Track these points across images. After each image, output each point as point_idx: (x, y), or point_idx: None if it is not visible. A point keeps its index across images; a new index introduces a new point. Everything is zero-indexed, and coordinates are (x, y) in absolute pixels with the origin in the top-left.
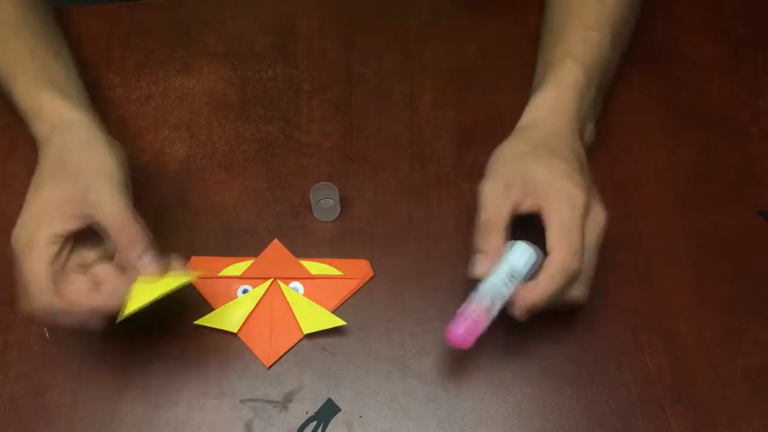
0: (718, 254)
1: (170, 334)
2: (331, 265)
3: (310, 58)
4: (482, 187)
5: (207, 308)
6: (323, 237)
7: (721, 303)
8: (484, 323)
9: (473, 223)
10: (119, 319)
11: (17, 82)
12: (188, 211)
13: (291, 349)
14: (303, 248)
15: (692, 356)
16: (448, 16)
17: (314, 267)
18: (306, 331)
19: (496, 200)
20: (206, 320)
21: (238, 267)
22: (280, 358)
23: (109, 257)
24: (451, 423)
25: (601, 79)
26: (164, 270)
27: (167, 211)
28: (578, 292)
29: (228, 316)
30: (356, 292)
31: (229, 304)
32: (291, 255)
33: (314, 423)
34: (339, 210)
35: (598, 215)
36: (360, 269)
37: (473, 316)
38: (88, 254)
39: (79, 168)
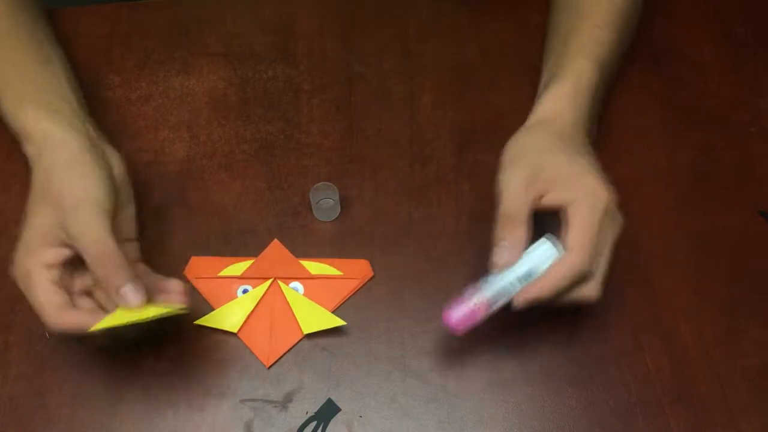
0: (718, 254)
1: (170, 334)
2: (331, 265)
3: (310, 58)
4: (502, 176)
5: (207, 308)
6: (323, 237)
7: (721, 303)
8: (482, 314)
9: (473, 223)
10: (90, 329)
11: (2, 100)
12: (188, 211)
13: (291, 349)
14: (303, 248)
15: (692, 356)
16: (448, 16)
17: (314, 267)
18: (306, 331)
19: (518, 191)
20: (206, 320)
21: (238, 267)
22: (280, 358)
23: None
24: (451, 423)
25: (608, 79)
26: (145, 302)
27: (167, 211)
28: (591, 291)
29: (228, 316)
30: (356, 292)
31: (229, 304)
32: (291, 255)
33: (314, 423)
34: (339, 210)
35: (618, 216)
36: (360, 269)
37: (473, 306)
38: (88, 279)
39: (60, 195)
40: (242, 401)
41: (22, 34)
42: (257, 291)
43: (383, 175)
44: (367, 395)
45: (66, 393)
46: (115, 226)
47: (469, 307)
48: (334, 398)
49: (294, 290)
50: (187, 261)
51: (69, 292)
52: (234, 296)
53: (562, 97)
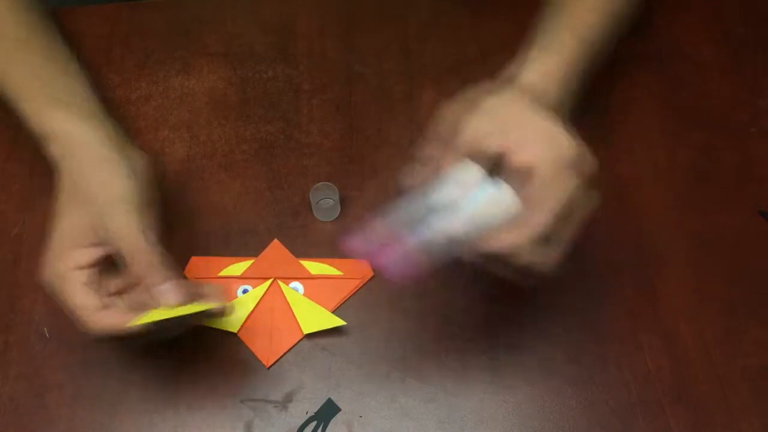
0: (718, 254)
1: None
2: (331, 265)
3: (310, 58)
4: (447, 107)
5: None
6: (323, 237)
7: (721, 303)
8: (397, 249)
9: None
10: (129, 324)
11: (26, 104)
12: (188, 211)
13: (291, 349)
14: (303, 248)
15: (692, 356)
16: (448, 16)
17: (314, 267)
18: (306, 331)
19: (477, 134)
20: (206, 320)
21: (238, 267)
22: (280, 358)
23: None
24: (451, 423)
25: (590, 61)
26: (186, 300)
27: (167, 211)
28: (548, 257)
29: (228, 316)
30: (356, 292)
31: (229, 304)
32: (291, 255)
33: (314, 423)
34: (339, 210)
35: (593, 193)
36: (360, 269)
37: (387, 242)
38: (120, 281)
39: (92, 194)
40: (242, 401)
41: (38, 39)
42: (257, 291)
43: (383, 175)
44: (367, 395)
45: (66, 393)
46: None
47: (385, 243)
48: (334, 398)
49: (294, 290)
50: (187, 261)
51: (101, 293)
52: (234, 296)
53: (543, 68)
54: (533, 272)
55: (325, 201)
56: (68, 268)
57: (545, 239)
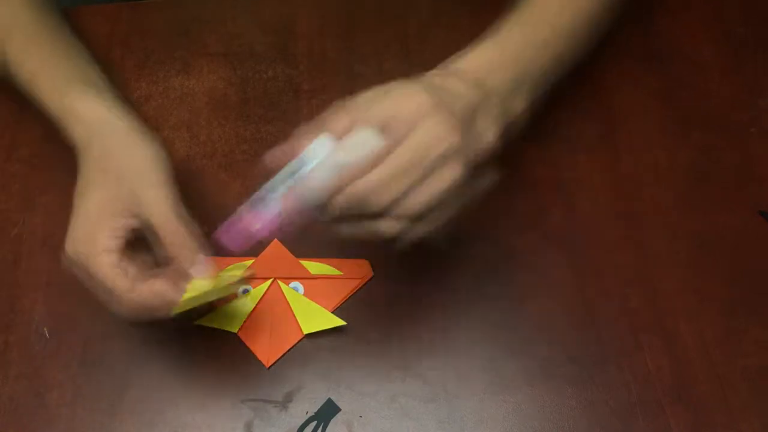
0: (718, 254)
1: (170, 334)
2: (331, 265)
3: (310, 58)
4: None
5: (207, 308)
6: (323, 237)
7: (721, 303)
8: (250, 223)
9: (473, 223)
10: (174, 311)
11: (44, 86)
12: (188, 211)
13: (291, 349)
14: (303, 248)
15: (692, 356)
16: (448, 16)
17: (314, 267)
18: (306, 331)
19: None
20: (206, 320)
21: (238, 267)
22: (280, 358)
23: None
24: (451, 423)
25: (521, 73)
26: (215, 274)
27: None
28: (386, 228)
29: (228, 316)
30: (356, 292)
31: (229, 304)
32: (291, 255)
33: (314, 423)
34: None
35: (439, 135)
36: (360, 269)
37: (239, 216)
38: (149, 258)
39: (124, 168)
40: (242, 401)
41: (53, 29)
42: (257, 291)
43: None
44: (367, 395)
45: (66, 393)
46: None
47: (239, 217)
48: (334, 398)
49: (294, 290)
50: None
51: (130, 273)
52: (234, 296)
53: (483, 63)
54: (384, 240)
55: None
56: (97, 248)
57: (414, 216)
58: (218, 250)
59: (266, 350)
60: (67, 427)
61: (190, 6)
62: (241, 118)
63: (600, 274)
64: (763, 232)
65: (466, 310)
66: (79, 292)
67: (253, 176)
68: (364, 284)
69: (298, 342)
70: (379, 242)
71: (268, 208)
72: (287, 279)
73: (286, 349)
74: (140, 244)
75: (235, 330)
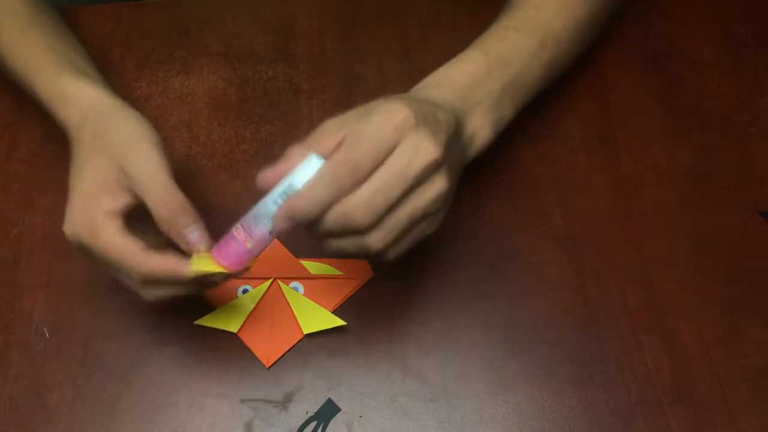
0: (718, 254)
1: (170, 334)
2: (331, 265)
3: (310, 58)
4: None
5: (207, 308)
6: None
7: (721, 303)
8: (243, 242)
9: (473, 223)
10: (192, 270)
11: (38, 72)
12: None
13: (291, 349)
14: (303, 248)
15: (692, 356)
16: (448, 16)
17: (314, 267)
18: (306, 331)
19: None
20: (206, 320)
21: None
22: (280, 358)
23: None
24: (451, 423)
25: (510, 80)
26: (210, 245)
27: None
28: (371, 242)
29: (228, 316)
30: (356, 292)
31: (229, 304)
32: (291, 255)
33: (314, 423)
34: None
35: (440, 178)
36: (360, 269)
37: (232, 236)
38: (150, 237)
39: (116, 142)
40: (242, 401)
41: (47, 18)
42: (257, 291)
43: None
44: (367, 395)
45: (66, 393)
46: None
47: (231, 238)
48: (334, 398)
49: (294, 290)
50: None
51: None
52: (234, 296)
53: (434, 81)
54: (368, 256)
55: None
56: (100, 213)
57: (343, 193)
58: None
59: (266, 350)
60: (67, 427)
61: (190, 6)
62: (241, 118)
63: (600, 274)
64: (763, 232)
65: (466, 310)
66: (79, 292)
67: (253, 176)
68: (364, 284)
69: (298, 342)
70: (368, 257)
71: (260, 226)
72: (287, 279)
73: (286, 349)
74: (144, 230)
75: (235, 330)
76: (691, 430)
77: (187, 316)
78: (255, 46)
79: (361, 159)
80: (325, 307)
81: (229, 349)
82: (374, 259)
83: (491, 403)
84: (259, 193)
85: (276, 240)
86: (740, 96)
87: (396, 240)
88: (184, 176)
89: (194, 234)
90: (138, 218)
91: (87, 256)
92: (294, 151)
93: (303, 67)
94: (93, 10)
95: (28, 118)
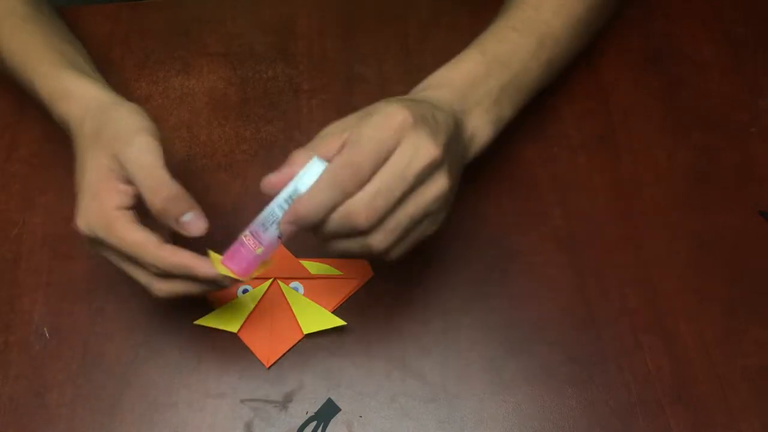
0: (718, 254)
1: (170, 334)
2: (331, 265)
3: (310, 58)
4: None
5: (207, 308)
6: None
7: (721, 303)
8: (252, 248)
9: (473, 222)
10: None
11: (36, 68)
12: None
13: (291, 349)
14: (303, 248)
15: (692, 356)
16: (448, 16)
17: (314, 267)
18: (306, 331)
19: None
20: (206, 320)
21: None
22: (280, 358)
23: None
24: (451, 423)
25: (509, 79)
26: (208, 229)
27: None
28: (373, 242)
29: (228, 316)
30: (356, 292)
31: (229, 304)
32: (291, 255)
33: (314, 423)
34: None
35: (441, 177)
36: (360, 269)
37: (241, 242)
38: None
39: (114, 134)
40: (242, 401)
41: (44, 16)
42: (257, 291)
43: None
44: (367, 395)
45: (66, 393)
46: None
47: (239, 244)
48: (334, 398)
49: (294, 290)
50: None
51: None
52: (234, 296)
53: (433, 83)
54: (371, 257)
55: None
56: (111, 208)
57: (347, 196)
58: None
59: (266, 350)
60: (67, 427)
61: (190, 6)
62: (241, 118)
63: (600, 274)
64: (763, 232)
65: (466, 310)
66: (79, 292)
67: (253, 176)
68: (364, 284)
69: (298, 342)
70: (371, 257)
71: (268, 231)
72: (287, 279)
73: (286, 349)
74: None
75: (235, 330)
76: (691, 430)
77: (187, 316)
78: (255, 46)
79: (361, 161)
80: (325, 307)
81: (229, 349)
82: (377, 259)
83: (491, 403)
84: (260, 193)
85: None
86: (740, 96)
87: (398, 240)
88: (184, 176)
89: (191, 219)
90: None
91: (98, 248)
92: (298, 155)
93: (303, 67)
94: (93, 10)
95: (28, 118)
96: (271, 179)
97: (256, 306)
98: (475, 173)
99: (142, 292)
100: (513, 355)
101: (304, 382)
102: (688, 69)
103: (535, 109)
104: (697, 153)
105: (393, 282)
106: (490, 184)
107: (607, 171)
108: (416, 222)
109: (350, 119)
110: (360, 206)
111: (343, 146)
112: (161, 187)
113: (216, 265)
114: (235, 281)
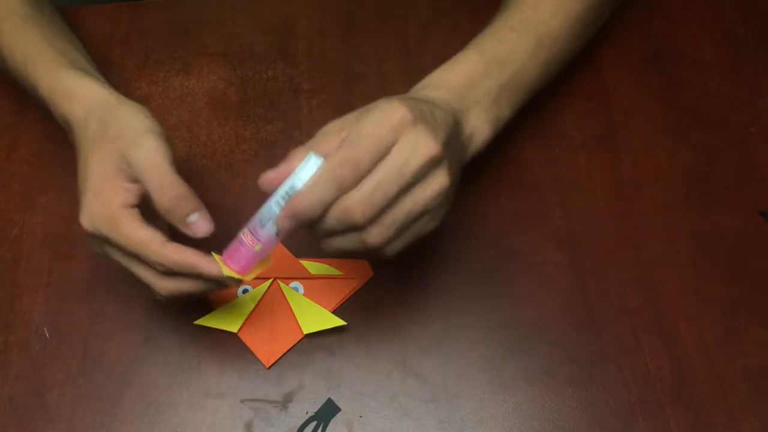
0: (718, 254)
1: (170, 334)
2: (331, 265)
3: (310, 58)
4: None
5: (207, 308)
6: None
7: (721, 303)
8: (250, 245)
9: (473, 222)
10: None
11: (37, 68)
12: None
13: (291, 349)
14: (303, 248)
15: (692, 356)
16: (448, 16)
17: (314, 267)
18: (306, 331)
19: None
20: (206, 320)
21: None
22: (280, 358)
23: None
24: (451, 423)
25: (507, 79)
26: (214, 230)
27: None
28: (370, 238)
29: (228, 316)
30: (356, 292)
31: (229, 304)
32: (291, 255)
33: (314, 423)
34: None
35: (440, 174)
36: (360, 269)
37: (240, 240)
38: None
39: (120, 133)
40: (242, 401)
41: (45, 15)
42: (257, 291)
43: None
44: (367, 395)
45: (66, 393)
46: None
47: (238, 242)
48: (334, 398)
49: (294, 290)
50: None
51: None
52: (234, 296)
53: (432, 83)
54: (368, 255)
55: None
56: (116, 207)
57: (344, 190)
58: None
59: (266, 350)
60: (67, 427)
61: (190, 6)
62: (241, 118)
63: (600, 274)
64: (763, 232)
65: (466, 310)
66: (79, 292)
67: (253, 176)
68: (364, 284)
69: (298, 342)
70: (368, 255)
71: (266, 228)
72: (287, 279)
73: (286, 349)
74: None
75: (235, 330)
76: (691, 430)
77: (187, 316)
78: (255, 46)
79: (360, 157)
80: (325, 307)
81: (229, 349)
82: (373, 255)
83: (491, 403)
84: (259, 192)
85: None
86: (740, 96)
87: (394, 236)
88: (184, 176)
89: (198, 220)
90: (146, 211)
91: (101, 246)
92: (296, 153)
93: (303, 67)
94: (93, 10)
95: (28, 118)
96: (268, 176)
97: (256, 306)
98: (476, 173)
99: (142, 292)
100: (513, 355)
101: (304, 382)
102: (688, 69)
103: (536, 110)
104: (697, 153)
105: (393, 282)
106: (490, 184)
107: (608, 171)
108: (413, 219)
109: (349, 117)
110: (357, 201)
111: (341, 143)
112: (169, 186)
113: (220, 266)
114: (239, 281)
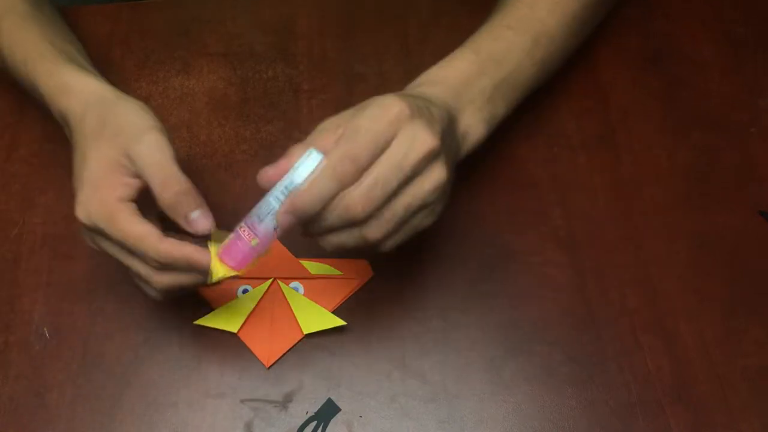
0: (718, 254)
1: (170, 334)
2: (331, 265)
3: (310, 58)
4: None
5: (207, 308)
6: None
7: (721, 303)
8: (247, 240)
9: (472, 222)
10: (210, 281)
11: (38, 65)
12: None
13: (291, 349)
14: (303, 248)
15: (692, 356)
16: (448, 16)
17: (314, 267)
18: (306, 331)
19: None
20: (206, 320)
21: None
22: (280, 358)
23: None
24: (451, 423)
25: (502, 78)
26: (215, 228)
27: None
28: (369, 233)
29: (228, 316)
30: (356, 292)
31: (229, 304)
32: (291, 255)
33: (314, 423)
34: None
35: (438, 168)
36: (360, 269)
37: (238, 234)
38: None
39: (121, 129)
40: (242, 401)
41: (45, 14)
42: (257, 291)
43: None
44: (367, 395)
45: (66, 393)
46: None
47: (236, 238)
48: (334, 398)
49: (294, 290)
50: None
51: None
52: (234, 296)
53: (428, 80)
54: (368, 250)
55: None
56: (113, 200)
57: (344, 187)
58: None
59: (266, 350)
60: (67, 427)
61: (190, 6)
62: (241, 118)
63: (600, 274)
64: (763, 232)
65: (465, 310)
66: (79, 292)
67: (253, 176)
68: (364, 284)
69: (298, 342)
70: (366, 248)
71: (264, 224)
72: (287, 279)
73: (286, 349)
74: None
75: (235, 330)
76: (691, 430)
77: (187, 316)
78: (255, 46)
79: (359, 153)
80: (325, 307)
81: (229, 349)
82: (372, 250)
83: (491, 403)
84: (260, 192)
85: (276, 240)
86: (740, 96)
87: (393, 231)
88: None
89: (199, 217)
90: (142, 206)
91: (96, 240)
92: (295, 149)
93: (303, 67)
94: (93, 10)
95: (28, 118)
96: (267, 172)
97: (256, 306)
98: (471, 172)
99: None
100: (513, 355)
101: (304, 382)
102: (688, 69)
103: (533, 108)
104: (697, 153)
105: (393, 282)
106: (489, 183)
107: (607, 171)
108: (412, 213)
109: (345, 114)
110: (357, 197)
111: (340, 139)
112: (173, 182)
113: (214, 262)
114: (234, 278)
